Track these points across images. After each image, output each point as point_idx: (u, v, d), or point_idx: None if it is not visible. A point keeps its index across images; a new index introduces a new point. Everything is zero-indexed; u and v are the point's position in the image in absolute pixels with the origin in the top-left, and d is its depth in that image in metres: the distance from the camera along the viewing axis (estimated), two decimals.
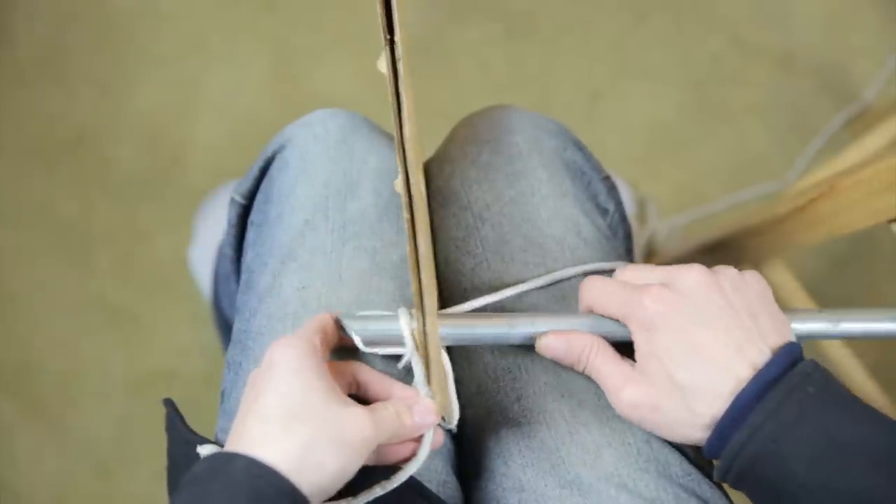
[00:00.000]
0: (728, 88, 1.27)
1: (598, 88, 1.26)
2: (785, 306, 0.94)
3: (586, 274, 0.60)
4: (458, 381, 0.58)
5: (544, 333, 0.55)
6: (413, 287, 0.50)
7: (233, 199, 0.67)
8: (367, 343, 0.54)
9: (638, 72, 1.27)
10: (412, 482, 0.52)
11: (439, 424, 0.56)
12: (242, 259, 0.66)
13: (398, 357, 0.55)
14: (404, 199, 0.47)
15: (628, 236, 0.70)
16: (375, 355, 0.55)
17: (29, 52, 1.24)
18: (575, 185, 0.65)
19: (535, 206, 0.63)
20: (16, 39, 1.24)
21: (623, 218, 0.69)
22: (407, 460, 0.51)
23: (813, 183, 0.88)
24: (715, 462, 0.52)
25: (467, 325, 0.55)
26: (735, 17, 1.30)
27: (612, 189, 0.68)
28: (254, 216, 0.65)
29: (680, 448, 0.56)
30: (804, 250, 1.19)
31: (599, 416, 0.56)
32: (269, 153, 0.65)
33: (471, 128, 0.68)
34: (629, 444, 0.55)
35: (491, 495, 0.57)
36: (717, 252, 0.95)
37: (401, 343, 0.54)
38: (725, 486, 0.56)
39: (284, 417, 0.44)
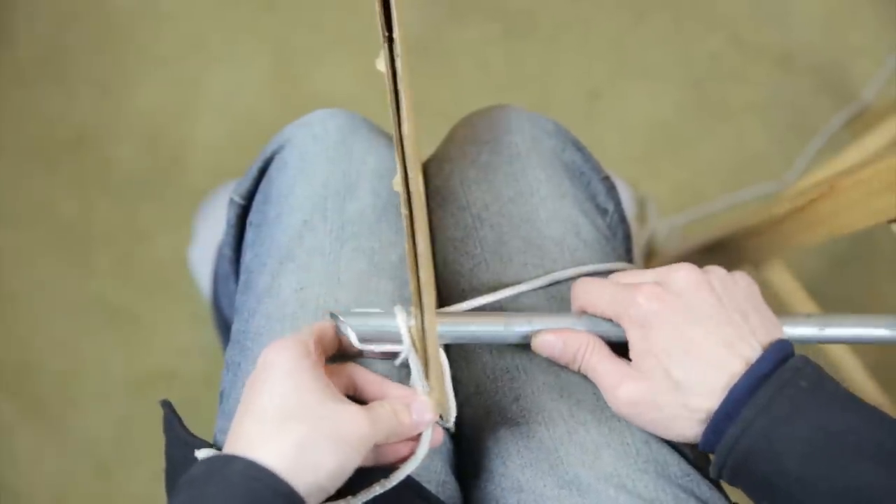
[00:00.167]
0: (727, 87, 1.27)
1: (598, 87, 1.26)
2: (785, 306, 0.95)
3: (585, 276, 0.60)
4: (456, 381, 0.59)
5: (540, 331, 0.55)
6: (412, 285, 0.50)
7: (232, 200, 0.67)
8: (363, 340, 0.53)
9: (637, 71, 1.27)
10: (411, 482, 0.52)
11: (437, 423, 0.56)
12: (241, 259, 0.66)
13: (394, 356, 0.55)
14: (403, 197, 0.47)
15: (627, 237, 0.70)
16: (374, 360, 0.55)
17: (29, 52, 1.24)
18: (574, 185, 0.65)
19: (534, 207, 0.63)
20: (16, 39, 1.24)
21: (622, 218, 0.69)
22: (406, 459, 0.51)
23: (812, 183, 0.88)
24: (711, 457, 0.52)
25: (464, 323, 0.56)
26: (734, 15, 1.30)
27: (611, 189, 0.68)
28: (253, 216, 0.65)
29: (678, 448, 0.57)
30: (804, 250, 1.19)
31: (598, 416, 0.56)
32: (268, 153, 0.65)
33: (470, 128, 0.68)
34: (628, 444, 0.55)
35: (490, 495, 0.57)
36: (716, 252, 0.95)
37: (397, 340, 0.54)
38: (724, 485, 0.56)
39: (280, 418, 0.44)
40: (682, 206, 1.22)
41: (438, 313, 0.56)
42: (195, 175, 1.19)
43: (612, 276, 0.56)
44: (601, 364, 0.54)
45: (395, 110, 0.45)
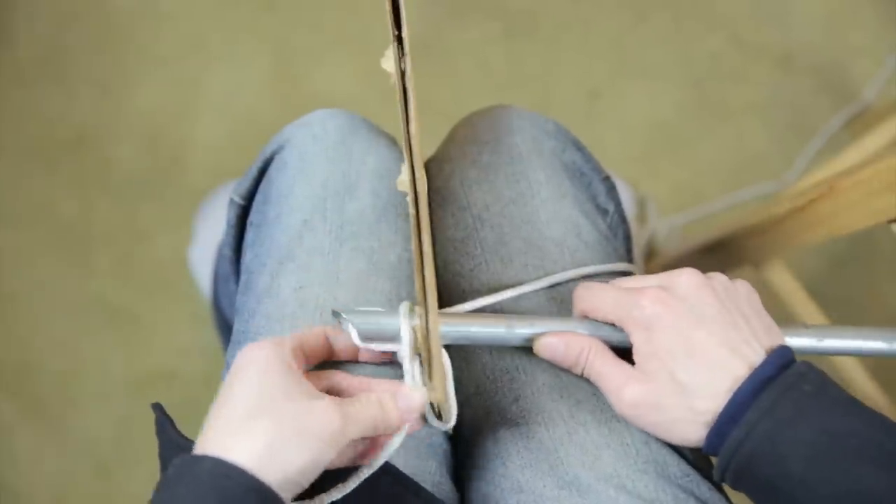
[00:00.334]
0: (727, 87, 1.27)
1: (598, 87, 1.26)
2: (785, 306, 0.94)
3: (585, 277, 0.60)
4: (456, 382, 0.58)
5: (542, 334, 0.55)
6: (417, 284, 0.50)
7: (231, 200, 0.67)
8: (364, 338, 0.53)
9: (637, 70, 1.27)
10: (408, 481, 0.52)
11: (437, 424, 0.56)
12: (241, 260, 0.66)
13: (395, 356, 0.55)
14: (411, 197, 0.47)
15: (628, 237, 0.70)
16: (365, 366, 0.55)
17: (29, 52, 1.24)
18: (574, 185, 0.65)
19: (535, 208, 0.63)
20: (16, 39, 1.24)
21: (623, 218, 0.69)
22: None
23: (812, 183, 0.88)
24: (713, 459, 0.52)
25: (466, 324, 0.55)
26: (734, 15, 1.30)
27: (611, 189, 0.68)
28: (252, 217, 0.65)
29: (678, 449, 0.57)
30: (804, 250, 1.19)
31: (598, 417, 0.56)
32: (267, 153, 0.65)
33: (470, 128, 0.68)
34: (628, 444, 0.55)
35: (489, 496, 0.57)
36: (716, 252, 0.95)
37: (399, 339, 0.53)
38: (726, 488, 0.56)
39: (248, 416, 0.44)
40: (682, 206, 1.22)
41: (441, 314, 0.56)
42: (195, 175, 1.19)
43: (614, 282, 0.56)
44: (605, 367, 0.54)
45: (403, 109, 0.45)
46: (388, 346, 0.54)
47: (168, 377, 1.12)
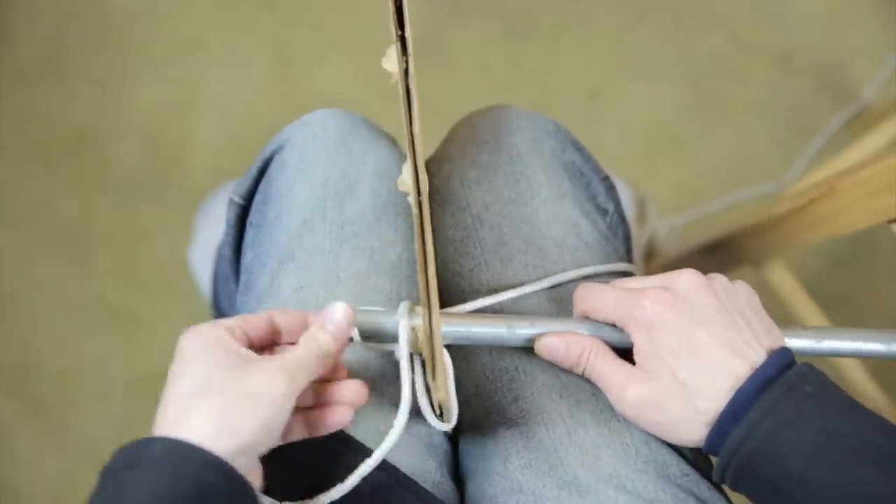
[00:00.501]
0: (727, 87, 1.27)
1: (597, 87, 1.26)
2: (785, 306, 0.94)
3: (585, 278, 0.60)
4: (456, 382, 0.58)
5: (543, 334, 0.55)
6: (420, 284, 0.50)
7: (231, 200, 0.67)
8: (364, 337, 0.54)
9: (637, 70, 1.27)
10: (408, 481, 0.52)
11: (438, 424, 0.56)
12: (241, 259, 0.66)
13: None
14: (414, 196, 0.47)
15: (628, 237, 0.70)
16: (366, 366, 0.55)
17: (29, 52, 1.24)
18: (574, 185, 0.65)
19: (535, 208, 0.63)
20: (16, 39, 1.24)
21: (622, 218, 0.69)
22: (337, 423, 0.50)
23: (812, 183, 0.88)
24: (713, 459, 0.52)
25: (467, 324, 0.55)
26: (734, 15, 1.30)
27: (611, 189, 0.68)
28: (252, 217, 0.65)
29: (678, 449, 0.57)
30: (804, 250, 1.19)
31: (597, 417, 0.56)
32: (267, 153, 0.65)
33: (470, 128, 0.68)
34: (627, 444, 0.55)
35: (489, 496, 0.57)
36: (716, 252, 0.95)
37: (398, 338, 0.53)
38: (725, 488, 0.56)
39: (193, 395, 0.44)
40: (682, 206, 1.22)
41: (442, 313, 0.56)
42: (195, 175, 1.19)
43: (615, 282, 0.56)
44: (606, 367, 0.54)
45: (406, 109, 0.45)
46: (389, 346, 0.54)
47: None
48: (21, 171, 1.19)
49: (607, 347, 0.55)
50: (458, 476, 0.60)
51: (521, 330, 0.55)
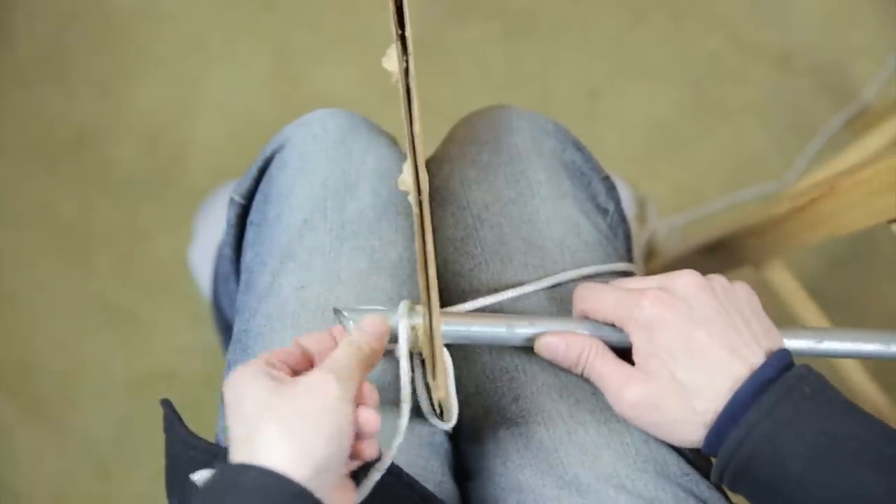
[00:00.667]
0: (727, 87, 1.27)
1: (597, 87, 1.26)
2: (785, 306, 0.94)
3: (585, 278, 0.60)
4: (456, 381, 0.58)
5: (543, 334, 0.55)
6: (421, 283, 0.50)
7: (232, 199, 0.67)
8: None
9: (637, 70, 1.27)
10: (412, 481, 0.52)
11: (438, 424, 0.56)
12: (242, 259, 0.66)
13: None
14: (414, 196, 0.47)
15: (628, 237, 0.70)
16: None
17: (29, 52, 1.24)
18: (574, 185, 0.66)
19: (535, 208, 0.63)
20: (16, 39, 1.24)
21: (623, 218, 0.69)
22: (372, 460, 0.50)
23: (812, 183, 0.88)
24: (713, 459, 0.52)
25: (466, 323, 0.56)
26: (734, 15, 1.30)
27: (611, 189, 0.68)
28: (253, 216, 0.65)
29: (677, 448, 0.57)
30: (804, 250, 1.19)
31: (597, 417, 0.56)
32: (267, 153, 0.65)
33: (470, 127, 0.68)
34: (627, 443, 0.55)
35: (489, 496, 0.57)
36: (716, 252, 0.95)
37: (397, 338, 0.53)
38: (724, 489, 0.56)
39: (257, 419, 0.43)
40: (682, 206, 1.22)
41: (442, 313, 0.56)
42: (195, 175, 1.19)
43: (614, 282, 0.56)
44: (605, 367, 0.54)
45: (406, 108, 0.45)
46: (389, 345, 0.54)
47: (168, 377, 1.12)
48: (21, 171, 1.19)
49: (607, 347, 0.55)
50: (457, 475, 0.60)
51: (520, 329, 0.55)
